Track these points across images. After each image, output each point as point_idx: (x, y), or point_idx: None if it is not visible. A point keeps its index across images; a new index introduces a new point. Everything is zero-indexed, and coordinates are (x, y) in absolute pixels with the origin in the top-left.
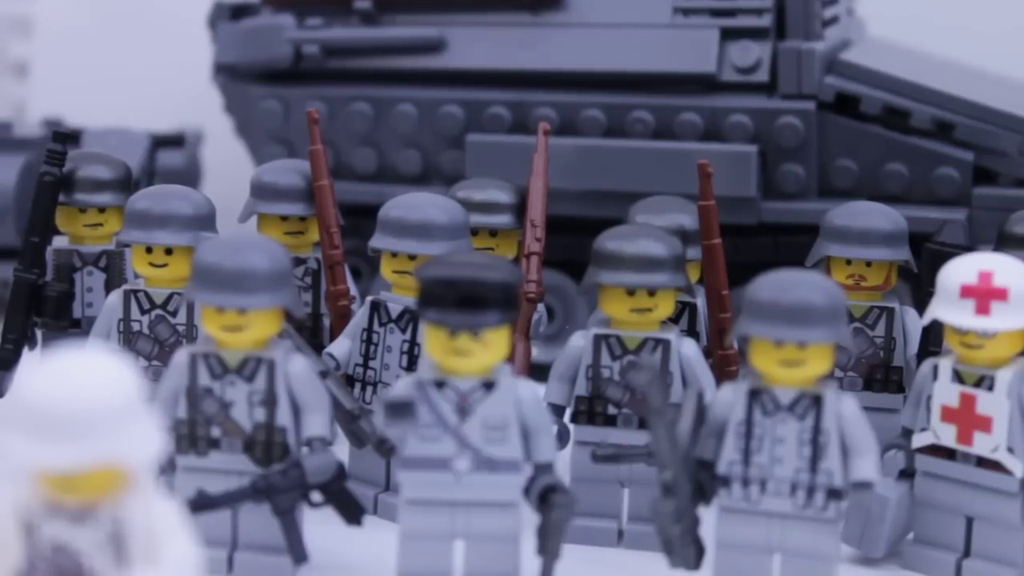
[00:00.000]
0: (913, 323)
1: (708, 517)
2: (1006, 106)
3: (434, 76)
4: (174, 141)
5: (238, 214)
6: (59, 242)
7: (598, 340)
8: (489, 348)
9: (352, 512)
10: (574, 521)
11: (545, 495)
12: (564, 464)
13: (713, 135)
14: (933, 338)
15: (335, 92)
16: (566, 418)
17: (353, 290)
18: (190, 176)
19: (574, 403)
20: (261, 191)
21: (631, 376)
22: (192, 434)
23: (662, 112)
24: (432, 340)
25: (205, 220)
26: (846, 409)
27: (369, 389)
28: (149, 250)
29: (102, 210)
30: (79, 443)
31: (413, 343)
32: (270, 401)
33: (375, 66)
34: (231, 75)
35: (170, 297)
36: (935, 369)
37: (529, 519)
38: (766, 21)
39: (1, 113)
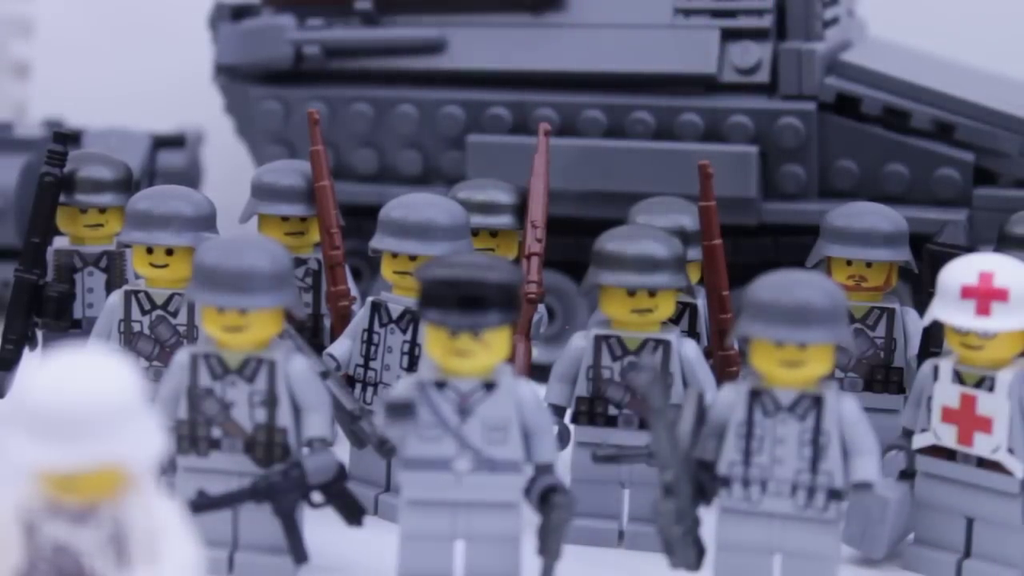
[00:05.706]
0: (914, 324)
1: (709, 518)
2: (1006, 106)
3: (435, 77)
4: (175, 141)
5: (239, 215)
6: (60, 243)
7: (599, 341)
8: (490, 349)
9: (353, 512)
10: (574, 521)
11: (545, 495)
12: (565, 465)
13: (714, 136)
14: (934, 339)
15: (336, 93)
16: (567, 419)
17: (354, 291)
18: (191, 176)
19: (575, 404)
20: (262, 192)
21: (632, 377)
22: (193, 434)
23: (663, 113)
24: (433, 340)
25: (206, 221)
26: (847, 410)
27: (370, 390)
28: (150, 251)
29: (103, 211)
30: (80, 443)
31: (414, 344)
32: (271, 402)
33: (376, 67)
34: (232, 76)
35: (171, 298)
36: (936, 370)
37: (529, 519)
38: (767, 22)
39: (2, 113)
